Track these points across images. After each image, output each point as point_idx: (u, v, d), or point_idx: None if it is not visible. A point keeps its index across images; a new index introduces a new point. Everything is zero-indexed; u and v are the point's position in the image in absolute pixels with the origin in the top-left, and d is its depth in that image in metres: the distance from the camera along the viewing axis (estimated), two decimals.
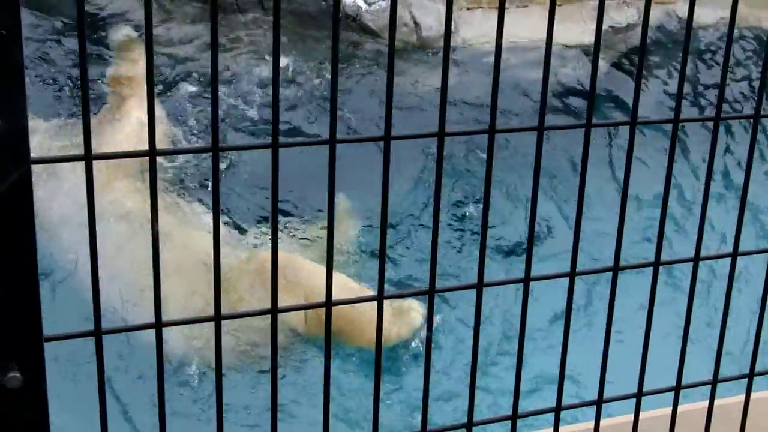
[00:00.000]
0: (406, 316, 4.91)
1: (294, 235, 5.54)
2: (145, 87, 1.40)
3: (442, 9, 6.90)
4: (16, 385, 1.38)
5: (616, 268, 1.83)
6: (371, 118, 6.32)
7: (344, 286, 4.87)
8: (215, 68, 1.43)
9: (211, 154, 1.45)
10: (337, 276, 4.83)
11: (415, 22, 6.84)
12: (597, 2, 1.66)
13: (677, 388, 1.98)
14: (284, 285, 4.78)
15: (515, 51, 6.80)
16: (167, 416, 1.59)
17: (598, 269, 1.88)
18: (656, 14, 7.14)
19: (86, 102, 1.37)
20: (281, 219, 5.53)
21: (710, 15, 7.30)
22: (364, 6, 6.78)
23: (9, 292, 1.35)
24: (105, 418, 1.54)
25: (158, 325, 1.52)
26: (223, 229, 5.35)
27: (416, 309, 4.95)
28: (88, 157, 1.39)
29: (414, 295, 1.78)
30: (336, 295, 1.59)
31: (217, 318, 1.55)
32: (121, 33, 6.40)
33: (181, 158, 5.84)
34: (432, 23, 6.79)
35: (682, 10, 7.30)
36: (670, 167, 1.81)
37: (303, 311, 4.87)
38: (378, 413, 1.74)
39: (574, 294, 1.80)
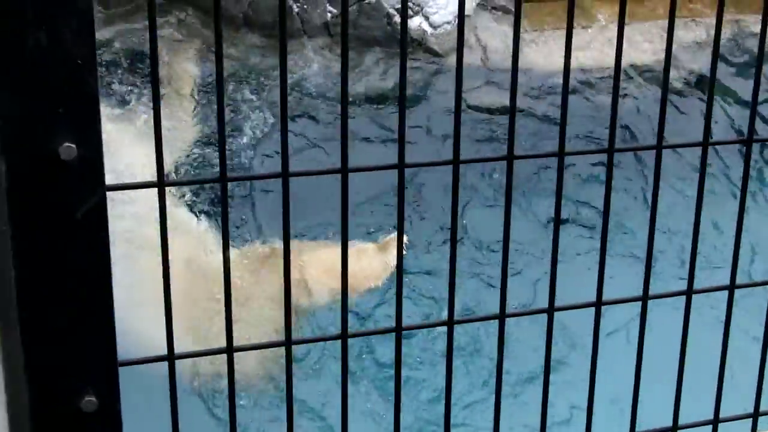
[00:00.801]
0: (388, 253, 5.28)
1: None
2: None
3: (508, 31, 6.89)
4: (91, 409, 1.39)
5: (690, 292, 1.80)
6: (438, 138, 6.32)
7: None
8: (284, 96, 1.44)
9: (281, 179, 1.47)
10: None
11: (481, 45, 6.84)
12: (666, 21, 1.64)
13: None
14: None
15: (581, 72, 6.77)
16: None
17: (672, 293, 1.85)
18: (725, 31, 7.06)
19: (158, 130, 1.39)
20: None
21: None
22: (429, 30, 6.80)
23: (85, 318, 1.37)
24: None
25: (229, 350, 1.53)
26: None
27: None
28: (161, 184, 1.41)
29: (483, 320, 1.77)
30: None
31: (288, 343, 1.56)
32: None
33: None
34: (498, 45, 6.79)
35: (755, 26, 7.20)
36: (744, 190, 1.77)
37: (304, 284, 5.17)
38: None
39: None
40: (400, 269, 1.60)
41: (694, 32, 7.21)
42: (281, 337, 1.57)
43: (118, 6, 6.78)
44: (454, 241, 1.62)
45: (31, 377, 1.36)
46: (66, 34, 1.26)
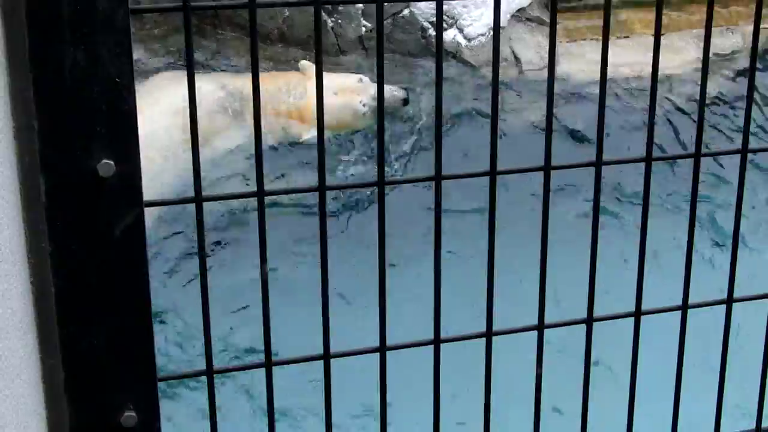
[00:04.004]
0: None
1: None
2: None
3: (542, 42, 6.88)
4: (131, 424, 1.40)
5: (730, 301, 1.79)
6: (475, 149, 6.30)
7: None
8: (320, 109, 1.44)
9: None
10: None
11: (515, 56, 6.83)
12: (702, 30, 1.63)
13: None
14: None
15: (618, 81, 6.74)
16: None
17: (713, 302, 1.84)
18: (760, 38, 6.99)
19: (196, 145, 1.40)
20: None
21: None
22: (464, 42, 6.80)
23: (124, 333, 1.38)
24: None
25: (268, 362, 1.53)
26: None
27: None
28: (198, 200, 1.42)
29: (520, 331, 1.76)
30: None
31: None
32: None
33: None
34: (532, 57, 6.77)
35: None
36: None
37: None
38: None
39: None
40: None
41: (730, 40, 7.16)
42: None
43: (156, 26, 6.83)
44: (492, 253, 1.62)
45: (71, 393, 1.38)
46: (104, 52, 1.27)
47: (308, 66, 6.06)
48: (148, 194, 1.31)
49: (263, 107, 5.82)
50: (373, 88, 6.02)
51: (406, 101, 6.11)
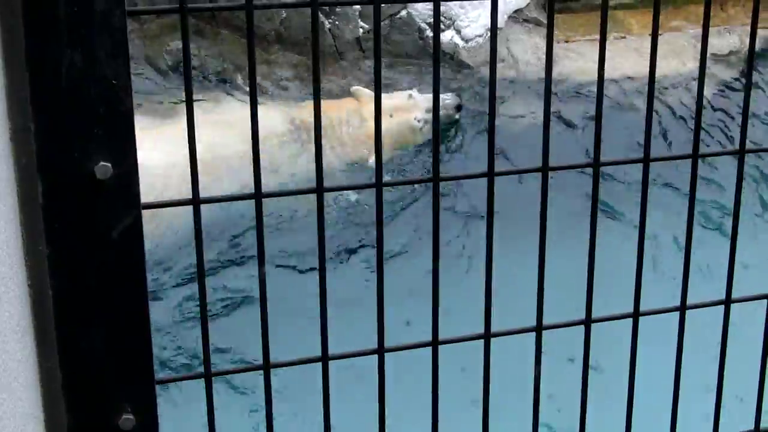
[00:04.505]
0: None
1: None
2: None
3: (539, 43, 6.88)
4: (129, 426, 1.40)
5: (728, 301, 1.79)
6: (474, 152, 6.31)
7: None
8: (318, 111, 1.44)
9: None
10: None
11: (512, 57, 6.83)
12: (699, 31, 1.63)
13: None
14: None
15: (615, 81, 6.74)
16: None
17: (710, 302, 1.84)
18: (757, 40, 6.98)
19: (193, 148, 1.40)
20: None
21: None
22: (461, 43, 6.80)
23: (122, 336, 1.37)
24: None
25: (266, 367, 1.53)
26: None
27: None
28: (195, 203, 1.42)
29: (520, 332, 1.75)
30: None
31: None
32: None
33: None
34: (529, 57, 6.78)
35: None
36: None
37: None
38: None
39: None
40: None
41: (727, 41, 7.16)
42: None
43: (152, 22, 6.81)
44: (490, 250, 1.61)
45: (69, 396, 1.37)
46: (100, 54, 1.27)
47: (361, 92, 6.17)
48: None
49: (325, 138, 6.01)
50: (424, 103, 6.16)
51: (459, 107, 6.21)
